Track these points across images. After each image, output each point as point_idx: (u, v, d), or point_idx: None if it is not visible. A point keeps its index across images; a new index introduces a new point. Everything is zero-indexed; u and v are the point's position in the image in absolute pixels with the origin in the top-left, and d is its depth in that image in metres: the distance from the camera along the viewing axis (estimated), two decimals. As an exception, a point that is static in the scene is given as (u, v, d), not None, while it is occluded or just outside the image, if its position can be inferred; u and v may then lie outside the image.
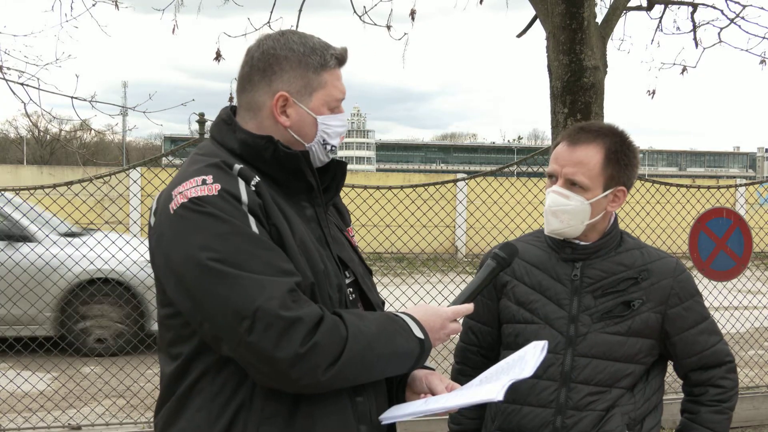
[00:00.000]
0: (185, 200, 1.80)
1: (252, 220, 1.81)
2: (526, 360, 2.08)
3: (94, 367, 6.66)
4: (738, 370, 2.56)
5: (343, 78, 2.04)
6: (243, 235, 1.78)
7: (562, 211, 2.38)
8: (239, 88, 2.01)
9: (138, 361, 6.40)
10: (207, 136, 2.13)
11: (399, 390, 2.09)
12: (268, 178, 1.92)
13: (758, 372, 7.44)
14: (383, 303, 2.21)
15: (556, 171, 2.41)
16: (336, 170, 2.07)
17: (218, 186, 1.81)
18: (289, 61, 1.95)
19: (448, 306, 2.05)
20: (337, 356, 1.77)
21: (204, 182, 1.82)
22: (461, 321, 2.12)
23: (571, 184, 2.38)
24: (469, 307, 2.07)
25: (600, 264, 2.44)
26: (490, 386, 1.98)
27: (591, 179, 2.37)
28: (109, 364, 6.70)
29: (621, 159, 2.41)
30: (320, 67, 1.96)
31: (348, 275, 2.03)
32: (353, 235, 2.21)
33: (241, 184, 1.85)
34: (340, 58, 2.00)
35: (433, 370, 2.12)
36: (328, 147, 2.01)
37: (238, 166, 1.88)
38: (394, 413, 1.97)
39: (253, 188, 1.86)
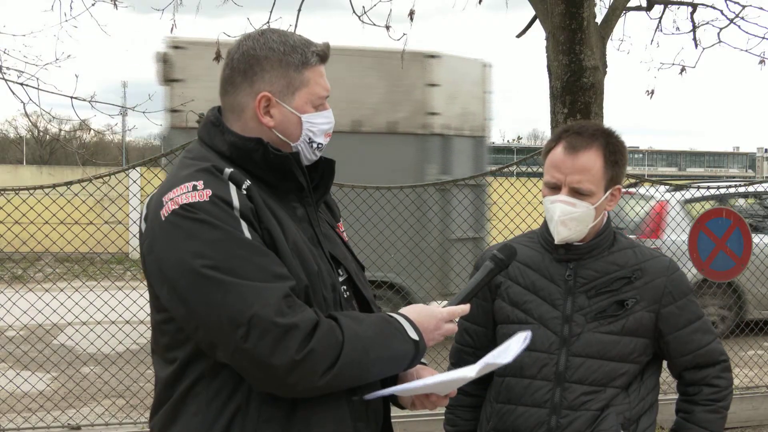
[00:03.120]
0: (176, 207, 1.79)
1: (244, 225, 1.80)
2: (510, 349, 2.11)
3: (93, 367, 6.65)
4: (738, 370, 2.57)
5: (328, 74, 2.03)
6: (236, 240, 1.77)
7: (570, 219, 2.38)
8: (222, 90, 2.00)
9: (137, 361, 6.40)
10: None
11: (391, 384, 2.09)
12: (258, 179, 1.91)
13: (758, 372, 7.43)
14: (375, 297, 2.21)
15: (560, 180, 2.39)
16: (325, 169, 2.07)
17: (209, 192, 1.80)
18: (269, 61, 1.94)
19: (445, 306, 2.05)
20: (333, 361, 1.77)
21: (195, 188, 1.81)
22: (456, 321, 2.12)
23: (576, 192, 2.38)
24: (465, 308, 2.07)
25: (593, 264, 2.44)
26: (467, 367, 2.01)
27: (595, 184, 2.38)
28: (109, 363, 6.69)
29: (618, 159, 2.43)
30: (301, 65, 1.95)
31: (341, 273, 2.03)
32: (344, 231, 2.20)
33: (232, 188, 1.84)
34: (322, 54, 1.99)
35: (426, 364, 2.12)
36: (315, 145, 2.00)
37: (228, 171, 1.87)
38: (378, 392, 1.98)
39: (245, 192, 1.85)
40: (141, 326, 6.16)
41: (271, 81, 1.94)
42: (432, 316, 1.98)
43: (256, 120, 1.95)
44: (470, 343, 2.61)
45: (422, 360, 2.07)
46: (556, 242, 2.43)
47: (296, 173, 1.95)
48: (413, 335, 1.91)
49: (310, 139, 1.99)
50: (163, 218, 1.81)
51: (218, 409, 1.82)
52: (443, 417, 2.69)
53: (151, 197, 1.92)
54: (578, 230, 2.40)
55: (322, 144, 2.02)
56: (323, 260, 1.96)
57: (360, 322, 1.86)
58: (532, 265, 2.49)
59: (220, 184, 1.83)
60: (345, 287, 2.03)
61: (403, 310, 1.98)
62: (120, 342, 6.13)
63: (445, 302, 2.15)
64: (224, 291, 1.74)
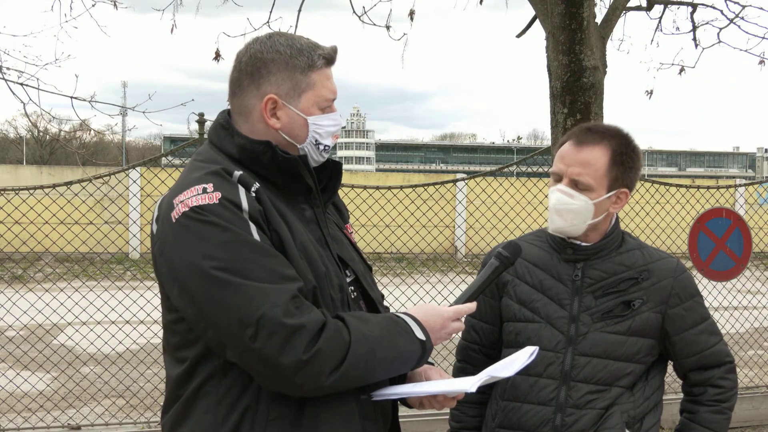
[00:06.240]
0: (186, 209, 1.81)
1: (253, 228, 1.82)
2: (515, 363, 2.12)
3: (93, 367, 6.66)
4: (738, 370, 2.57)
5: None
6: (244, 242, 1.79)
7: (566, 210, 2.40)
8: (230, 92, 2.02)
9: (137, 361, 6.41)
10: (206, 137, 2.12)
11: (399, 383, 2.09)
12: (267, 182, 1.93)
13: (758, 372, 7.44)
14: (383, 297, 2.22)
15: (562, 170, 2.42)
16: (332, 170, 2.08)
17: (219, 194, 1.82)
18: (276, 64, 1.95)
19: (451, 305, 2.06)
20: (340, 361, 1.79)
21: (205, 191, 1.83)
22: (463, 319, 2.13)
23: (576, 184, 2.39)
24: (471, 306, 2.07)
25: (601, 264, 2.45)
26: (469, 378, 2.02)
27: (596, 180, 2.39)
28: (109, 363, 6.70)
29: (626, 161, 2.43)
30: (308, 68, 1.97)
31: (349, 274, 2.05)
32: (352, 232, 2.22)
33: (242, 191, 1.85)
34: (329, 57, 2.00)
35: (433, 364, 2.13)
36: (321, 147, 2.02)
37: (237, 173, 1.89)
38: (384, 391, 2.00)
39: (254, 194, 1.86)
40: (141, 326, 6.17)
41: (278, 83, 1.95)
42: (438, 315, 1.99)
43: (263, 122, 1.97)
44: (477, 339, 2.62)
45: (429, 360, 2.08)
46: (549, 230, 2.45)
47: (304, 175, 1.97)
48: (420, 335, 1.92)
49: (316, 141, 2.00)
50: (173, 220, 1.83)
51: (228, 408, 1.84)
52: (445, 416, 2.69)
53: (163, 199, 1.94)
54: (574, 224, 2.41)
55: (328, 146, 2.03)
56: (331, 261, 1.97)
57: (367, 322, 1.87)
58: (540, 264, 2.50)
59: (229, 186, 1.85)
60: (352, 288, 2.04)
61: (410, 310, 2.00)
62: (120, 342, 6.13)
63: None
64: (233, 292, 1.75)
